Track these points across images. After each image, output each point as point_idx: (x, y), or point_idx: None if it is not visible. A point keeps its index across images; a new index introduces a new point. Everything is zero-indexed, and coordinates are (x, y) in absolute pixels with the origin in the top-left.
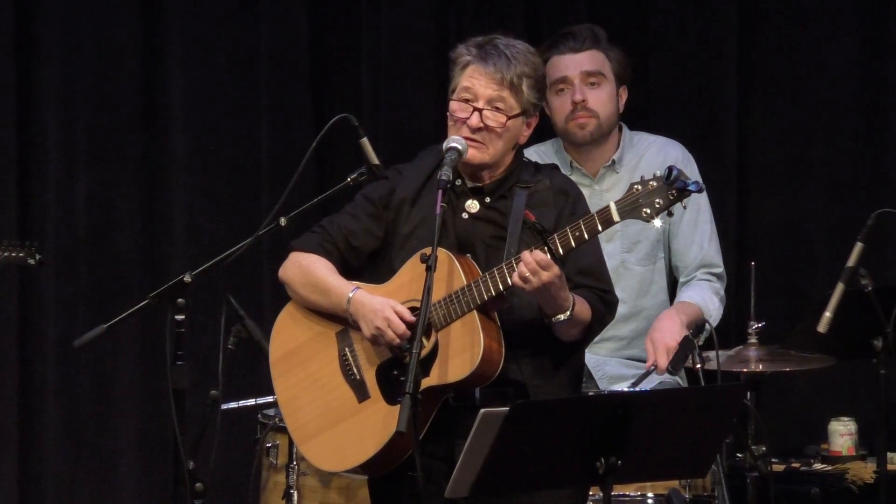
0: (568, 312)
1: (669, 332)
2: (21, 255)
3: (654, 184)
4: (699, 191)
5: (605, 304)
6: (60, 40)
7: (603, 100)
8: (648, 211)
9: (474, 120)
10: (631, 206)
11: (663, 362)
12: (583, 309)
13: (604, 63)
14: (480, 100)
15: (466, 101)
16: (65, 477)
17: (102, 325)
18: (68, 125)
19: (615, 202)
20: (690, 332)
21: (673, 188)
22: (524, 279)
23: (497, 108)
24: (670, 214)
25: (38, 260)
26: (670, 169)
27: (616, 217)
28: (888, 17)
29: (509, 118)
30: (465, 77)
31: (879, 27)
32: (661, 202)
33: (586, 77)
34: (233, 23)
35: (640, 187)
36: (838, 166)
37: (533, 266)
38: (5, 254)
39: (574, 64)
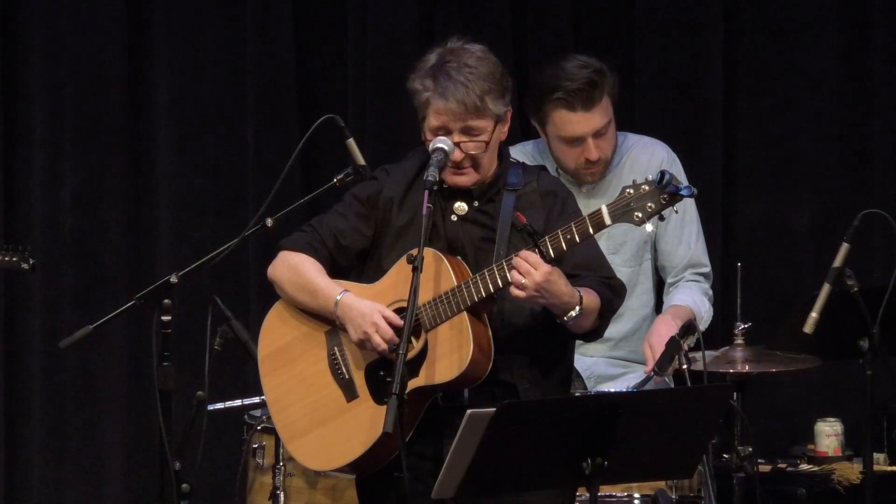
0: (578, 307)
1: (668, 336)
2: (14, 259)
3: (647, 188)
4: (691, 195)
5: (611, 290)
6: (46, 41)
7: (610, 141)
8: (640, 215)
9: (457, 155)
10: (623, 210)
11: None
12: (592, 299)
13: (609, 107)
14: (454, 133)
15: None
16: (51, 478)
17: (88, 326)
18: (54, 126)
19: (607, 205)
20: (677, 332)
21: (665, 192)
22: (519, 286)
23: (473, 135)
24: (661, 219)
25: (31, 265)
26: (663, 173)
27: (608, 220)
28: (871, 20)
29: (489, 135)
30: (432, 114)
31: (862, 29)
32: (653, 206)
33: (597, 131)
34: (219, 24)
35: (632, 191)
36: (823, 167)
37: (525, 267)
38: None
39: (587, 124)
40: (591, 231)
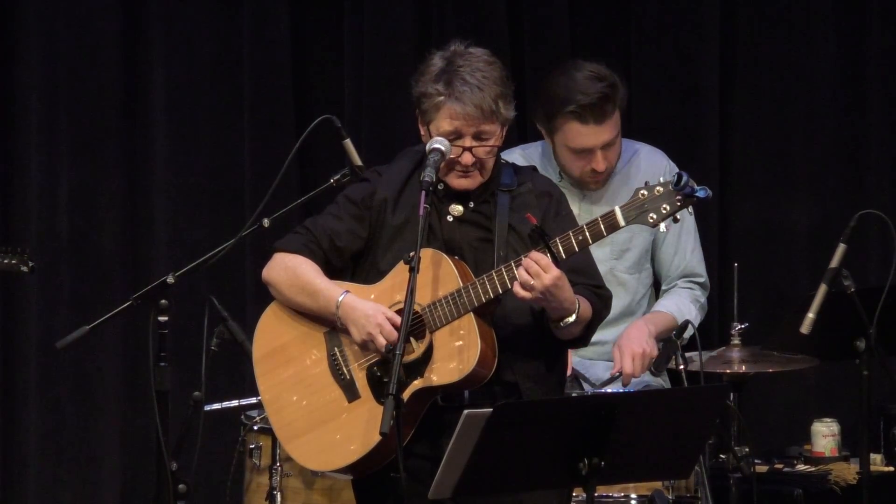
0: (574, 315)
1: (637, 339)
2: (14, 262)
3: (660, 189)
4: (707, 197)
5: (601, 300)
6: (41, 41)
7: (616, 152)
8: (654, 216)
9: (467, 158)
10: (637, 212)
11: (629, 368)
12: (586, 308)
13: (618, 119)
14: (466, 137)
15: (451, 141)
16: (47, 478)
17: (85, 327)
18: (50, 127)
19: (620, 207)
20: (674, 332)
21: (680, 194)
22: (527, 286)
23: (484, 139)
24: (676, 220)
25: (30, 267)
26: (680, 175)
27: (622, 222)
28: (867, 22)
29: (498, 139)
30: (443, 119)
31: (859, 30)
32: (668, 208)
33: (606, 144)
34: (215, 24)
35: (645, 192)
36: (820, 168)
37: (535, 268)
38: None
39: (597, 137)
40: (604, 233)
